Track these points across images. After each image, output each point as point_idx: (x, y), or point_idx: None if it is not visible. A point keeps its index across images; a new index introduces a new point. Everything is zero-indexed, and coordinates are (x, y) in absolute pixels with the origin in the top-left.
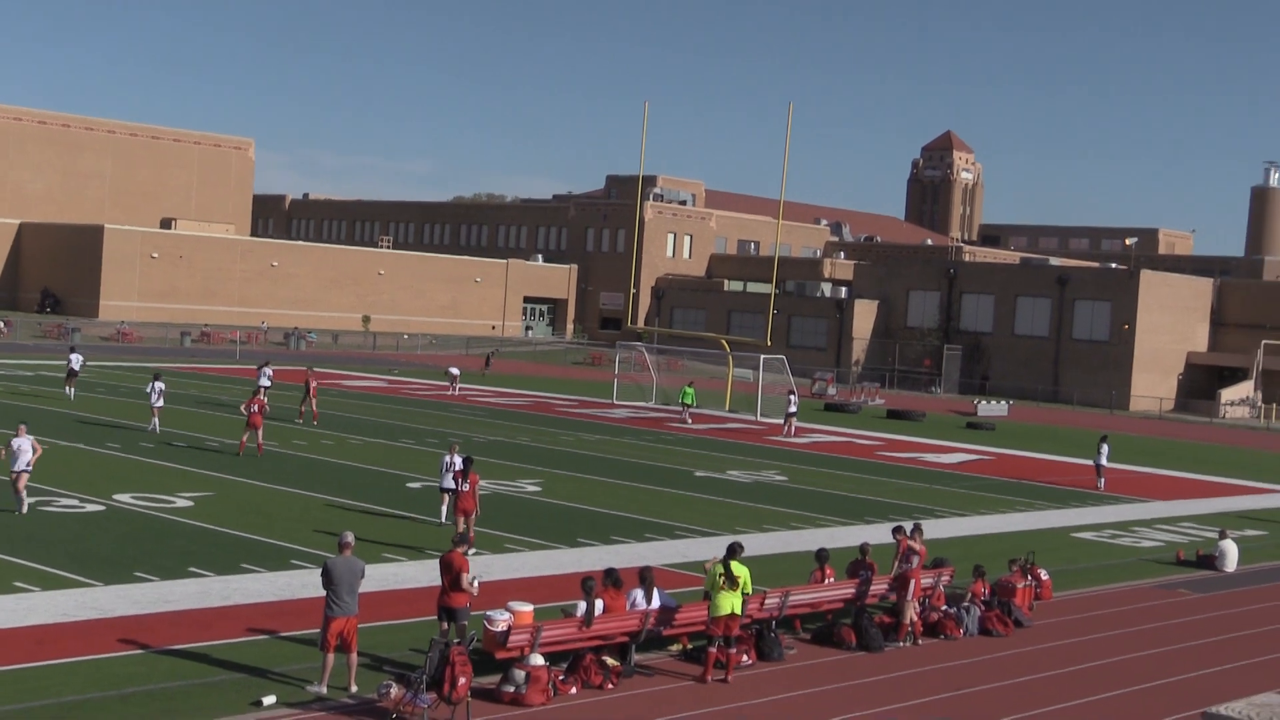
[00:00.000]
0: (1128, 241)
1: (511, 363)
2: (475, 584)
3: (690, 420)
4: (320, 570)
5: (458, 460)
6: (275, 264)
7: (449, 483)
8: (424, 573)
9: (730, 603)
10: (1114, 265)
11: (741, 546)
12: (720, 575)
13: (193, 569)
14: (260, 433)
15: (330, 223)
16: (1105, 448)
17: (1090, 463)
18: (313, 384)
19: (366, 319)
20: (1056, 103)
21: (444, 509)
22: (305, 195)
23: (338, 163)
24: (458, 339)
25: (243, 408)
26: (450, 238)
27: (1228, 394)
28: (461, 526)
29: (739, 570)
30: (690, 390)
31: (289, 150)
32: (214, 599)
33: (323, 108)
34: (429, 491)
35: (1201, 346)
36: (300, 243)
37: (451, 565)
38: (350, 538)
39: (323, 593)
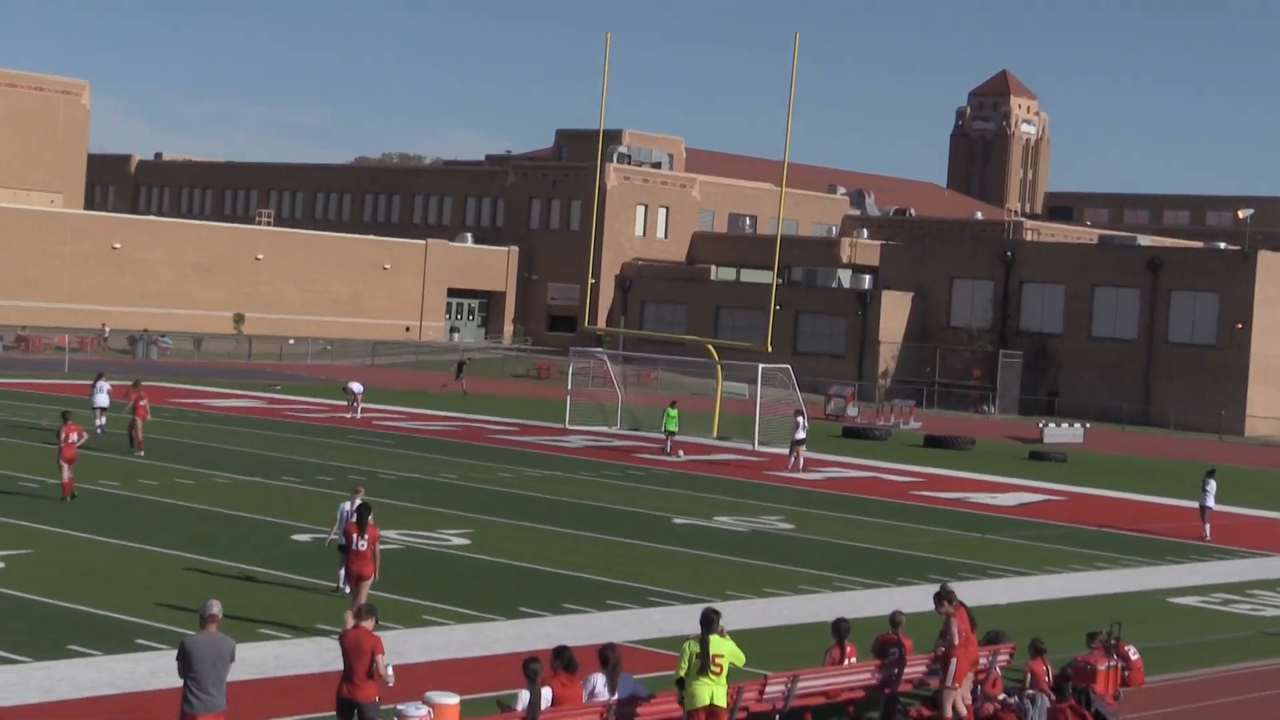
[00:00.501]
0: (1240, 214)
1: (432, 375)
2: (390, 670)
3: (681, 453)
4: (176, 652)
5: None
6: (117, 246)
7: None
8: (315, 655)
9: (709, 692)
10: (1223, 245)
11: (718, 614)
12: (694, 655)
13: (1, 653)
14: (70, 468)
15: (191, 191)
16: (1212, 484)
17: (1194, 504)
18: (139, 403)
19: (239, 318)
20: (1145, 34)
21: (342, 571)
22: (157, 155)
23: (200, 111)
24: (360, 344)
25: (65, 433)
26: (351, 212)
27: None
28: (361, 597)
29: (720, 646)
30: (674, 412)
31: (135, 95)
32: (32, 693)
33: (180, 39)
34: (321, 547)
35: None
36: (151, 218)
37: (359, 646)
38: (216, 608)
39: (179, 682)
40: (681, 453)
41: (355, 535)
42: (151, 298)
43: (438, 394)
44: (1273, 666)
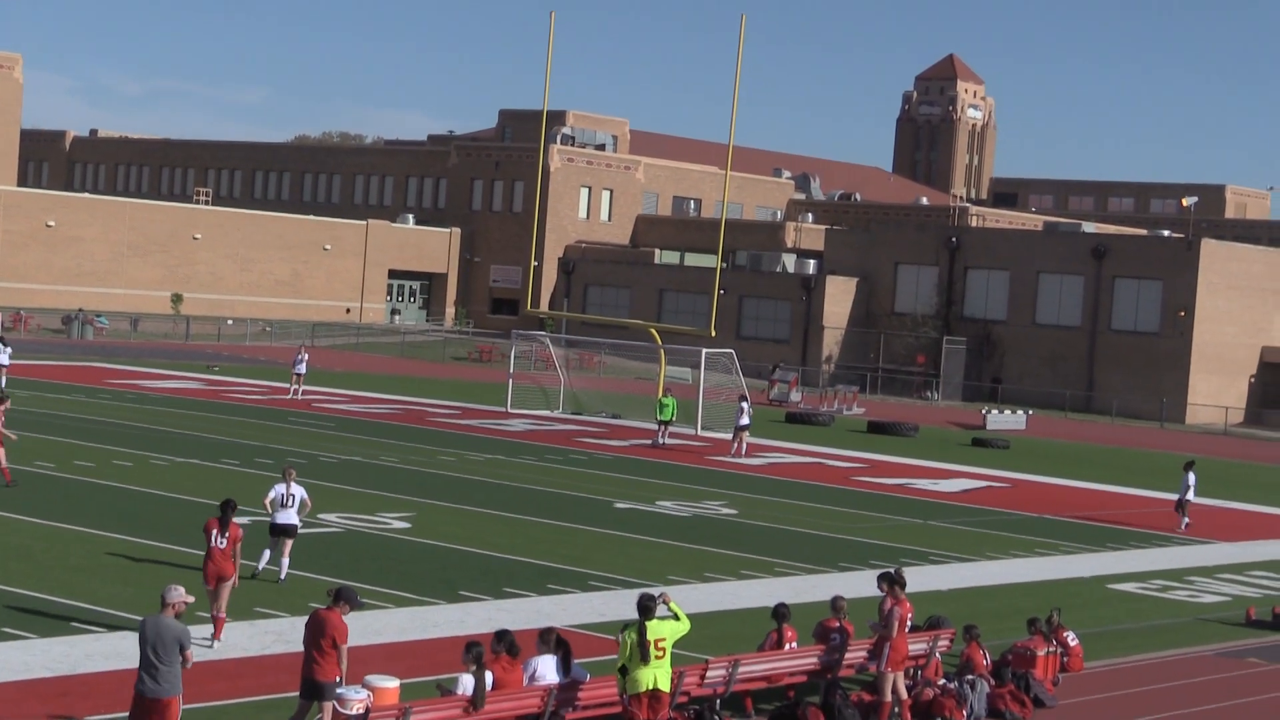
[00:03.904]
0: (1185, 202)
1: (372, 357)
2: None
3: (664, 440)
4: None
5: (297, 491)
6: (51, 223)
7: (284, 517)
8: (252, 638)
9: (651, 676)
10: (1167, 233)
11: (653, 599)
12: (632, 644)
13: None
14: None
15: (127, 169)
16: (1192, 476)
17: (1134, 492)
18: None
19: (177, 298)
20: (1091, 20)
21: (266, 551)
22: (93, 131)
23: (137, 88)
24: (300, 325)
25: None
26: (291, 191)
27: None
28: (219, 602)
29: (659, 631)
30: (670, 402)
31: (70, 70)
32: None
33: (117, 14)
34: (260, 529)
35: None
36: (86, 195)
37: (324, 629)
38: (171, 595)
39: (113, 665)
40: (664, 439)
41: (215, 532)
42: (87, 276)
43: (380, 375)
44: (1208, 653)
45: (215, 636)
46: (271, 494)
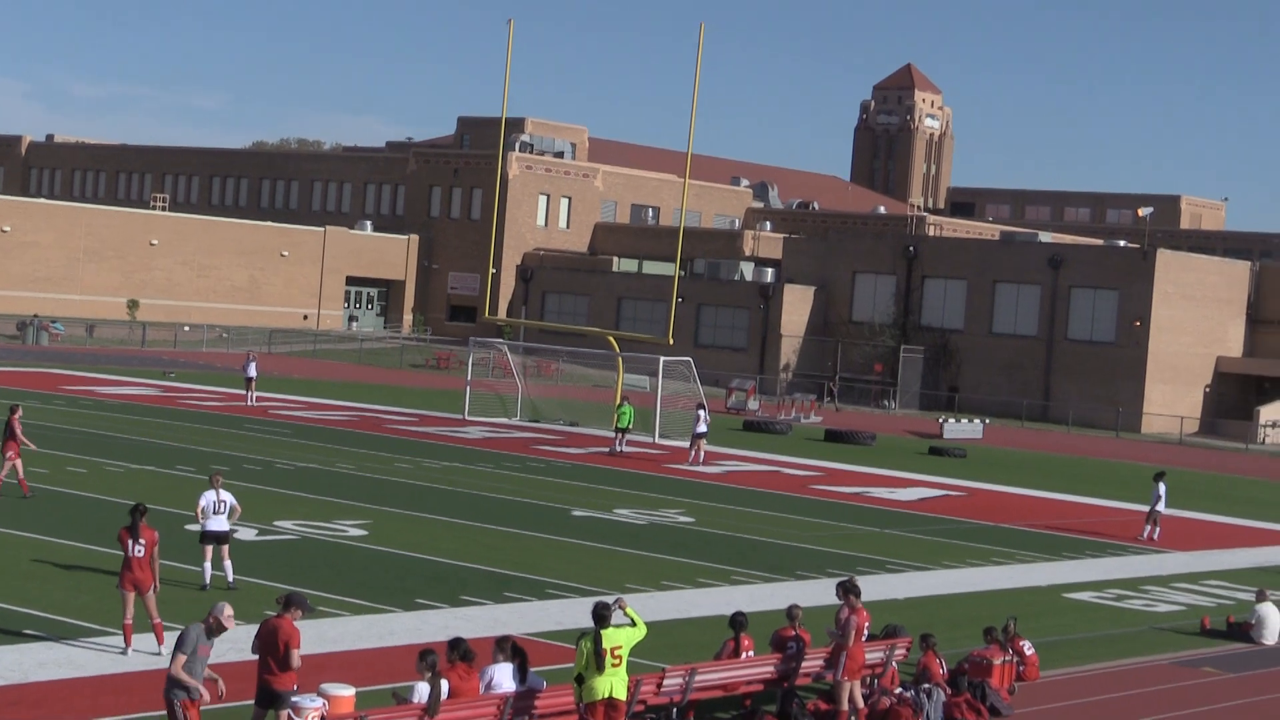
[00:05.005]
0: (1141, 212)
1: (329, 364)
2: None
3: (622, 448)
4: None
5: (226, 497)
6: (7, 229)
7: (216, 524)
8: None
9: (607, 684)
10: (1122, 243)
11: (608, 607)
12: (589, 653)
13: None
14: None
15: (84, 174)
16: (1163, 487)
17: (1091, 501)
18: None
19: (133, 304)
20: (1048, 31)
21: (207, 564)
22: (49, 137)
23: (94, 93)
24: (257, 332)
25: None
26: (249, 197)
27: (1268, 412)
28: (130, 611)
29: (614, 639)
30: (628, 409)
31: (27, 75)
32: None
33: (74, 19)
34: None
35: (1236, 351)
36: (42, 201)
37: (276, 635)
38: (224, 612)
39: (66, 674)
40: (622, 447)
41: (130, 541)
42: (42, 282)
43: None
44: (1163, 662)
45: (127, 643)
46: (203, 501)
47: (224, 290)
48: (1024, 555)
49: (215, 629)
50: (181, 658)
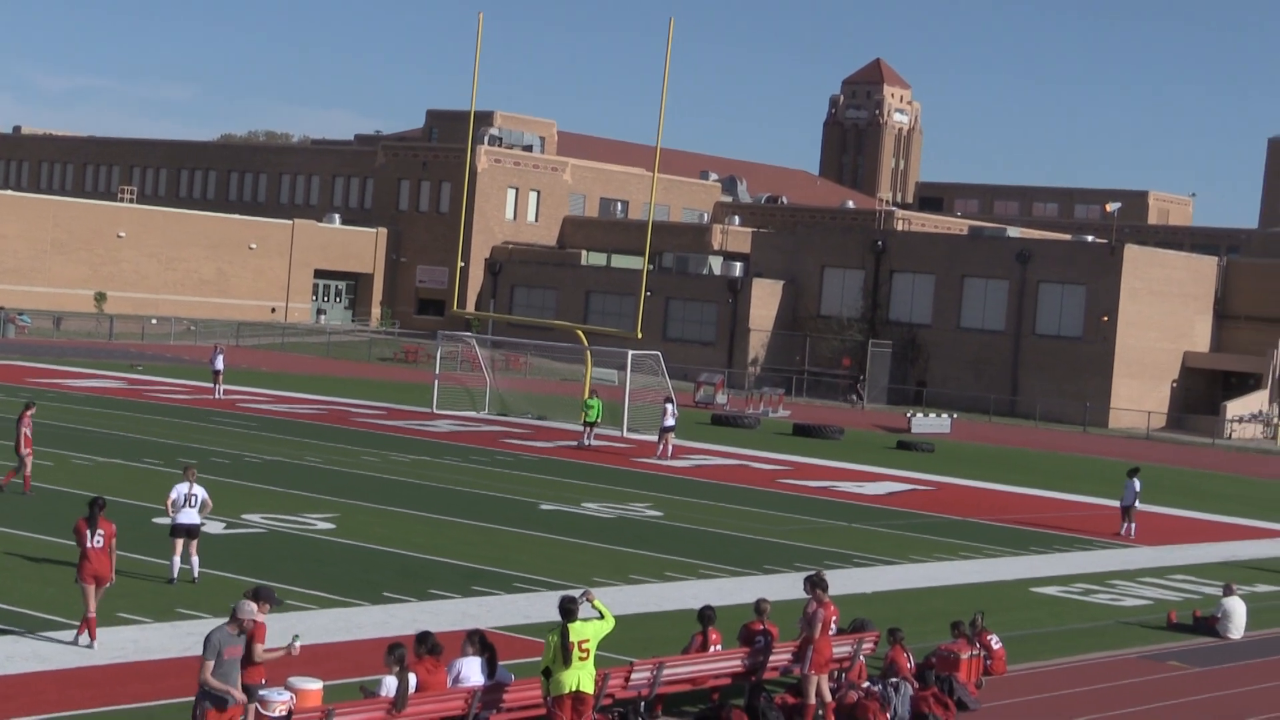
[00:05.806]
0: (1108, 207)
1: (297, 357)
2: (265, 655)
3: (590, 442)
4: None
5: (198, 491)
6: None
7: (186, 517)
8: (174, 639)
9: (575, 678)
10: (1090, 238)
11: (575, 600)
12: (555, 647)
13: None
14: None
15: (51, 166)
16: (1137, 483)
17: (1055, 495)
18: None
19: (101, 297)
20: (1016, 26)
21: (176, 558)
22: (16, 128)
23: (61, 85)
24: (225, 324)
25: None
26: (216, 190)
27: (1234, 407)
28: (93, 604)
29: (582, 632)
30: (596, 403)
31: None
32: None
33: (41, 10)
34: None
35: (1203, 346)
36: (9, 192)
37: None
38: (249, 609)
39: (31, 668)
40: (589, 440)
41: (87, 533)
42: (9, 274)
43: (303, 375)
44: (1130, 656)
45: (92, 637)
46: (173, 494)
47: (192, 283)
48: (991, 549)
49: (246, 630)
50: (209, 664)
